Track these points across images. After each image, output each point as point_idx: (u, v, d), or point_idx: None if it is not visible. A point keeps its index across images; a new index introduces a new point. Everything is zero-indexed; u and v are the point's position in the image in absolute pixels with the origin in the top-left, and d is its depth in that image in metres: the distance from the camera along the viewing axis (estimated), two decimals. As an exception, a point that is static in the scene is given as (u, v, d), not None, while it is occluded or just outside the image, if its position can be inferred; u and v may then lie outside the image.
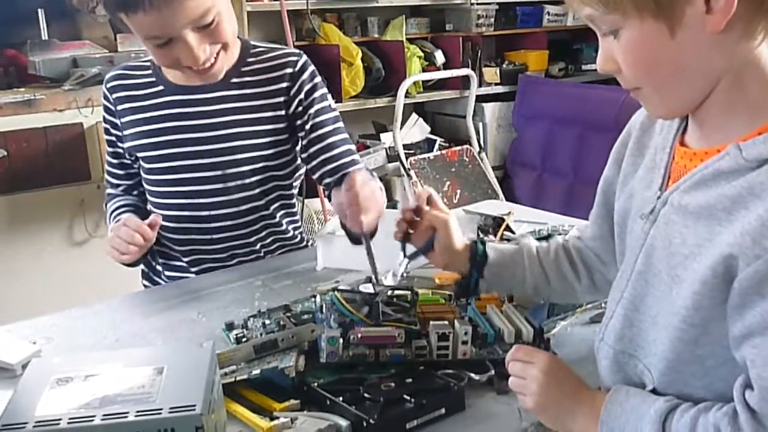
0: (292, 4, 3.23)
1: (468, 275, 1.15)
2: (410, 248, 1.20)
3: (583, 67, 4.29)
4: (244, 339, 1.13)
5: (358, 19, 3.69)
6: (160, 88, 1.49)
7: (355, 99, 3.48)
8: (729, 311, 0.75)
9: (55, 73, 2.58)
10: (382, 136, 3.65)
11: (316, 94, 1.51)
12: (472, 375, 1.02)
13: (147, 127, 1.49)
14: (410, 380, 0.99)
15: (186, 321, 1.29)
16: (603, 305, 1.26)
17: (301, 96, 1.50)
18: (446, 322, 1.05)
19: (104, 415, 0.78)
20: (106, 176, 1.61)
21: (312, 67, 1.53)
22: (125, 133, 1.52)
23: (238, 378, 1.00)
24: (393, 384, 0.98)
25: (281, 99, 1.50)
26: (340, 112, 1.55)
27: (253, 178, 1.50)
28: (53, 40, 2.67)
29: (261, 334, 1.13)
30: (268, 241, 1.58)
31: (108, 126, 1.56)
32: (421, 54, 3.70)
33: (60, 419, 0.78)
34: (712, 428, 0.76)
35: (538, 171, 3.85)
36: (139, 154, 1.52)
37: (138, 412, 0.79)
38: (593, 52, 4.31)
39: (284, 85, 1.49)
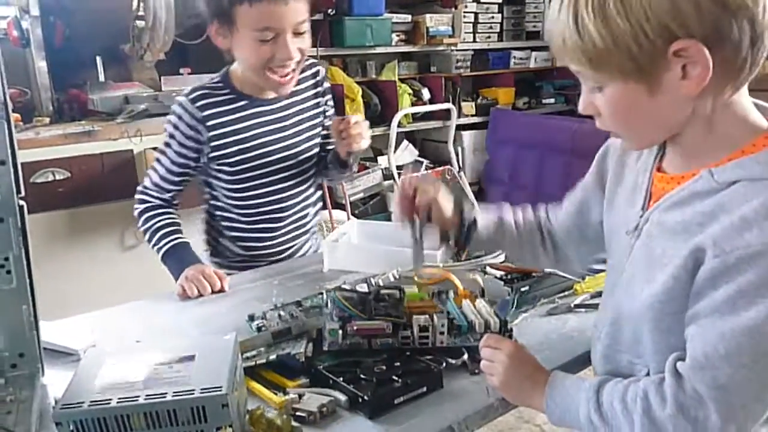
0: (305, 51, 3.24)
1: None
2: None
3: (543, 101, 4.26)
4: (263, 328, 1.13)
5: (359, 63, 3.69)
6: (245, 102, 1.47)
7: (356, 128, 3.48)
8: (690, 296, 0.74)
9: (109, 109, 2.58)
10: (379, 158, 3.66)
11: (330, 100, 1.62)
12: (449, 359, 1.03)
13: (238, 137, 1.47)
14: (397, 364, 0.99)
15: (216, 314, 1.29)
16: (557, 300, 1.27)
17: (323, 101, 1.60)
18: (427, 316, 1.05)
19: (147, 395, 0.79)
20: (151, 186, 1.50)
21: (325, 74, 1.62)
22: (213, 144, 1.45)
23: (258, 362, 1.01)
24: (384, 367, 0.98)
25: (317, 100, 1.59)
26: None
27: (311, 171, 1.59)
28: (109, 81, 2.67)
29: (277, 324, 1.13)
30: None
31: (182, 148, 1.45)
32: (411, 91, 3.70)
33: (110, 399, 0.78)
34: (641, 392, 0.75)
35: (506, 187, 3.84)
36: (226, 161, 1.47)
37: (175, 392, 0.79)
38: (551, 88, 4.32)
39: (316, 91, 1.59)
